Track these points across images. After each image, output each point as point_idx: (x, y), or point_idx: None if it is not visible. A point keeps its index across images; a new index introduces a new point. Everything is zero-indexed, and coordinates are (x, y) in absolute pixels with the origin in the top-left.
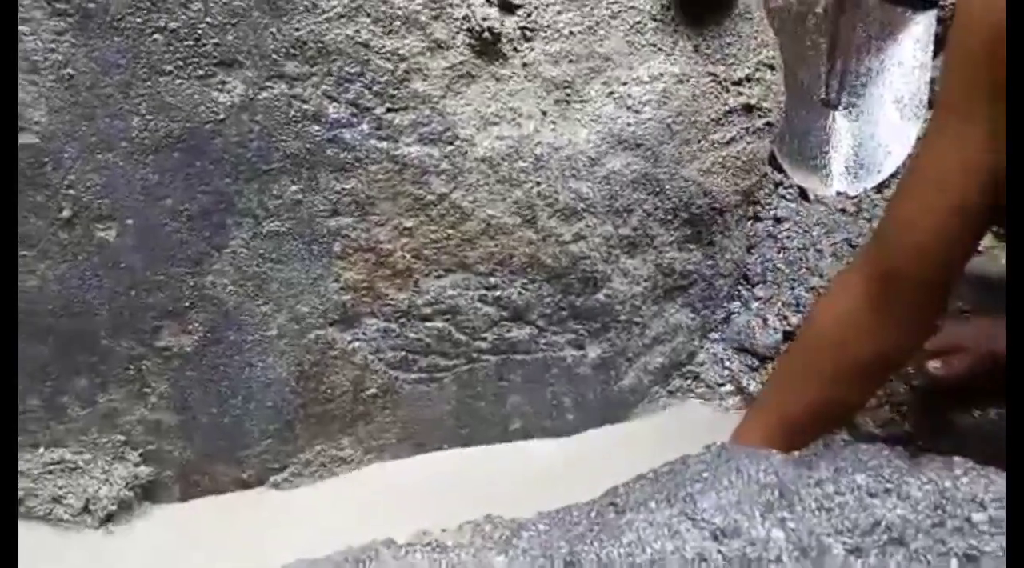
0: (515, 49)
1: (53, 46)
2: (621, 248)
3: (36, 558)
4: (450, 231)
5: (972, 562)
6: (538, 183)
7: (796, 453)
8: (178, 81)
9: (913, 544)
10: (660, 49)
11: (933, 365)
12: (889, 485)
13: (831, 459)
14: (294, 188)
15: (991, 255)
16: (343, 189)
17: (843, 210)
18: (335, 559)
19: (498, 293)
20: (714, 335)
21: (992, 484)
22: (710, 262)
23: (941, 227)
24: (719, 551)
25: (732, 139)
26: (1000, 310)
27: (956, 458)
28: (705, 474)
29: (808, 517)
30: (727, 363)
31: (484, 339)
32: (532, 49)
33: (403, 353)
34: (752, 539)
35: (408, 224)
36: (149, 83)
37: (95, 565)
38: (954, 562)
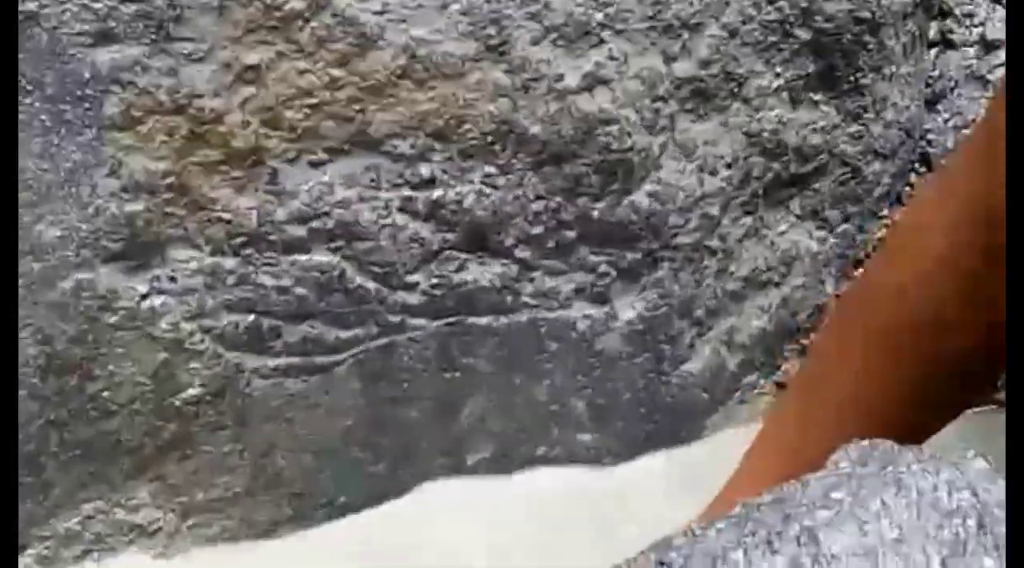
0: None
1: None
2: (678, 102)
3: None
4: (337, 71)
5: None
6: None
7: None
8: None
9: None
10: None
11: None
12: None
13: None
14: None
15: None
16: None
17: None
18: None
19: (435, 194)
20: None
21: None
22: (855, 127)
23: None
24: None
25: None
26: None
27: None
28: (838, 496)
29: None
30: None
31: (411, 288)
32: None
33: (253, 319)
34: None
35: (255, 56)
36: None
37: None
38: None
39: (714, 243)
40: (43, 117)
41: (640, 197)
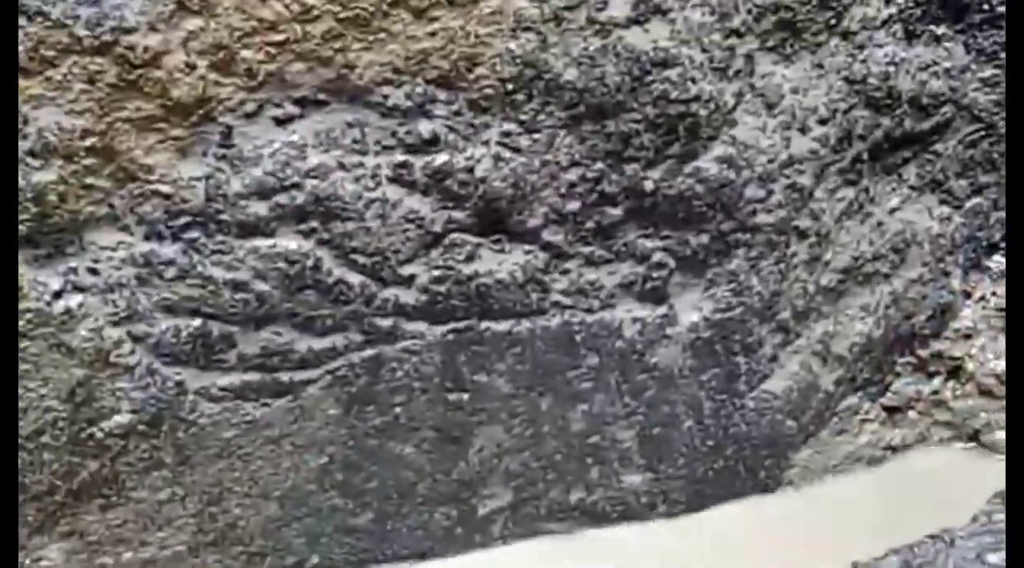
0: None
1: None
2: (757, 38)
3: None
4: None
5: None
6: None
7: None
8: None
9: None
10: None
11: None
12: None
13: None
14: None
15: None
16: None
17: None
18: None
19: (439, 160)
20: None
21: None
22: (990, 71)
23: None
24: None
25: None
26: None
27: None
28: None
29: None
30: None
31: (406, 283)
32: None
33: (199, 324)
34: None
35: None
36: None
37: None
38: None
39: (804, 223)
40: None
41: (708, 162)
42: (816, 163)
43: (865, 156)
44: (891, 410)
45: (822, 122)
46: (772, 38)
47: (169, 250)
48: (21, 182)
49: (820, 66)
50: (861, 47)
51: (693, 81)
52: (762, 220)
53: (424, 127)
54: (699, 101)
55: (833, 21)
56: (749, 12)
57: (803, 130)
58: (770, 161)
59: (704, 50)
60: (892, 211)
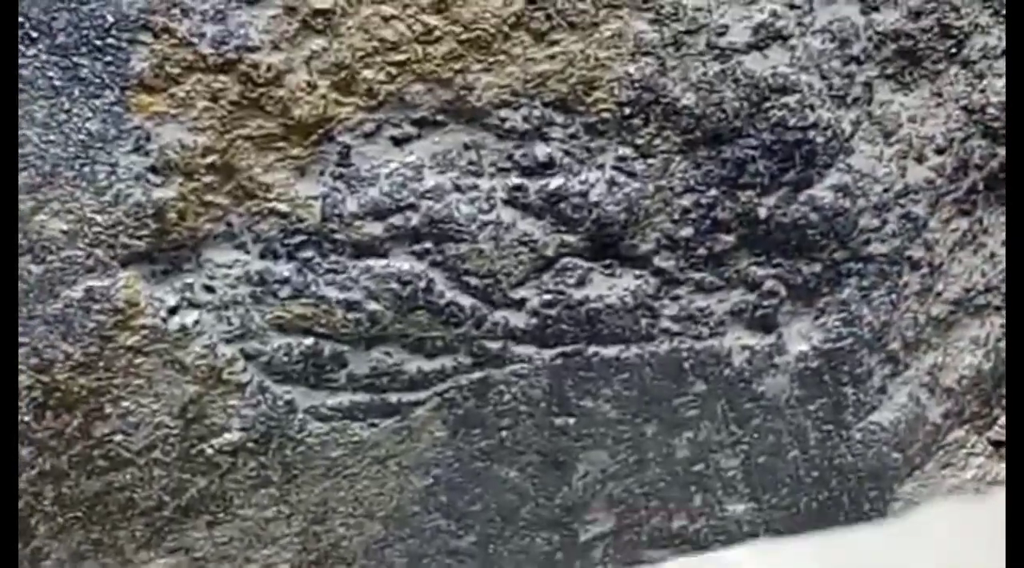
0: None
1: None
2: (877, 66)
3: None
4: (432, 19)
5: None
6: None
7: None
8: None
9: None
10: None
11: None
12: None
13: None
14: None
15: None
16: None
17: None
18: None
19: (553, 183)
20: None
21: None
22: None
23: None
24: None
25: None
26: None
27: None
28: None
29: None
30: None
31: (517, 306)
32: None
33: (311, 343)
34: None
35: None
36: None
37: None
38: None
39: (917, 253)
40: (51, 74)
41: (823, 190)
42: (931, 193)
43: (980, 186)
44: (998, 444)
45: (939, 151)
46: (891, 66)
47: (284, 268)
48: (142, 198)
49: (939, 94)
50: (981, 76)
51: (812, 108)
52: (875, 249)
53: (540, 150)
54: (817, 128)
55: (953, 50)
56: (869, 39)
57: (919, 159)
58: (885, 190)
59: (823, 77)
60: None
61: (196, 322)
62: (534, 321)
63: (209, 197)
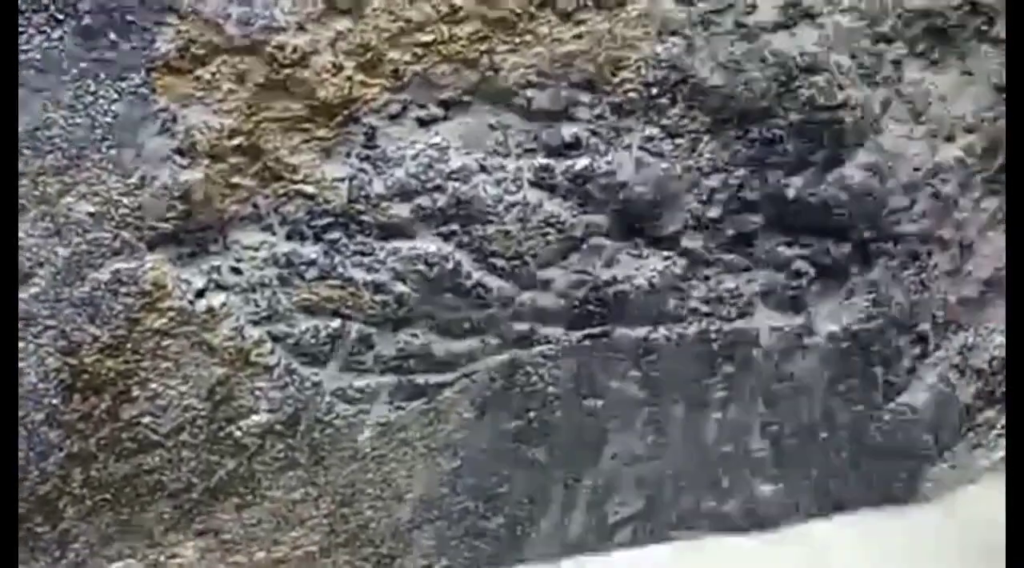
0: None
1: None
2: (906, 44)
3: None
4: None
5: None
6: None
7: None
8: None
9: None
10: None
11: None
12: None
13: None
14: None
15: None
16: None
17: None
18: None
19: (580, 163)
20: None
21: None
22: None
23: None
24: None
25: None
26: None
27: None
28: None
29: None
30: None
31: (544, 287)
32: None
33: (338, 324)
34: None
35: None
36: None
37: None
38: None
39: (947, 233)
40: (76, 55)
41: (852, 170)
42: (962, 172)
43: None
44: None
45: (969, 130)
46: (921, 44)
47: (311, 250)
48: (168, 181)
49: (969, 73)
50: None
51: (840, 87)
52: (905, 229)
53: (567, 130)
54: (846, 107)
55: (984, 27)
56: (899, 17)
57: (950, 138)
58: (915, 169)
59: (852, 56)
60: None
61: (223, 304)
62: (561, 302)
63: (235, 179)
